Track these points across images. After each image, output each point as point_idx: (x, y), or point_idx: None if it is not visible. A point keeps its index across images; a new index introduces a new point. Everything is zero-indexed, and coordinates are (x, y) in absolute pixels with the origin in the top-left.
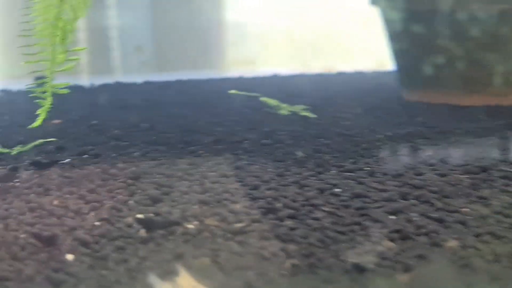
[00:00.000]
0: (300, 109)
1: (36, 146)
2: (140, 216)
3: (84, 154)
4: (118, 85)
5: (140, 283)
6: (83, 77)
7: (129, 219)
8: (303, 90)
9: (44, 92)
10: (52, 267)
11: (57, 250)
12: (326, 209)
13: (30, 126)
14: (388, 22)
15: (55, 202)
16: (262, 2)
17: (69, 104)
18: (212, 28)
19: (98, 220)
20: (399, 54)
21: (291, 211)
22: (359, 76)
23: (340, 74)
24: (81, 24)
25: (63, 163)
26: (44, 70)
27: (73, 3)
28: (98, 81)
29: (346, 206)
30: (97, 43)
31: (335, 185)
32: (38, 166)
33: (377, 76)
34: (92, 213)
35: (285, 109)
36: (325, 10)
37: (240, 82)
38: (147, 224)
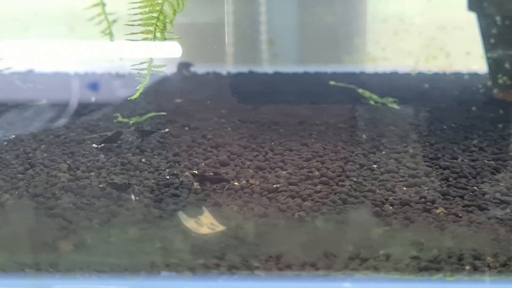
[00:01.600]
0: (389, 101)
1: (150, 118)
2: (196, 172)
3: (186, 127)
4: (250, 74)
5: (175, 218)
6: (226, 66)
7: (191, 175)
8: (409, 86)
9: (144, 72)
10: (118, 205)
11: (127, 194)
12: (354, 179)
13: (130, 98)
14: (484, 27)
15: (143, 160)
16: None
17: (198, 87)
18: (342, 25)
19: (169, 174)
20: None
21: (325, 179)
22: (471, 77)
23: (454, 74)
24: (229, 18)
25: (163, 132)
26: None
27: (173, 1)
28: (236, 70)
29: (375, 179)
30: (239, 37)
31: (375, 162)
32: (142, 132)
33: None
34: (168, 170)
35: (375, 100)
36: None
37: (358, 77)
38: (201, 179)
